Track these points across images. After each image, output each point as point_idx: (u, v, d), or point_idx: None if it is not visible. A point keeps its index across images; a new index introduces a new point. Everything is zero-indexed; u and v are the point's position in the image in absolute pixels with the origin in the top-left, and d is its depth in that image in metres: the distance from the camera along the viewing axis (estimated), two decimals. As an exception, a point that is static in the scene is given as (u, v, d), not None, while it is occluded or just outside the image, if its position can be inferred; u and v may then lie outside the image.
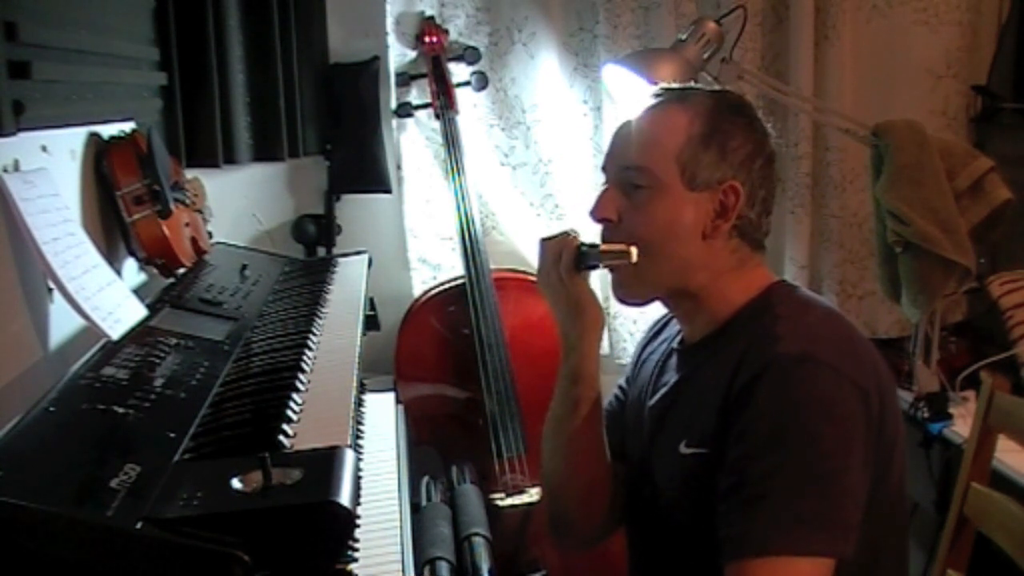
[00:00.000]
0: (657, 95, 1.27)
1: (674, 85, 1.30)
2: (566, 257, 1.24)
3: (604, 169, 1.28)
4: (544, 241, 1.29)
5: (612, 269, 1.25)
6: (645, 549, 1.35)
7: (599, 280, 1.28)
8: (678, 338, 1.31)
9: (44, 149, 1.24)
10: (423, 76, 2.41)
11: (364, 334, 1.51)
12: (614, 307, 2.43)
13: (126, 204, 1.40)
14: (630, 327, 2.46)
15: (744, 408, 1.10)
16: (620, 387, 1.43)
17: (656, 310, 1.35)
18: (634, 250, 1.18)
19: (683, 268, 1.21)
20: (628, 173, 1.22)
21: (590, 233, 1.28)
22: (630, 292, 1.27)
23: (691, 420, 1.19)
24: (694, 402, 1.20)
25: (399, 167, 2.46)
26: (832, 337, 1.16)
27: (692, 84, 1.31)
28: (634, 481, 1.33)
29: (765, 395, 1.08)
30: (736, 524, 1.06)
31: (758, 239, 1.24)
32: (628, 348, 2.44)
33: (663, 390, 1.28)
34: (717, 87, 1.32)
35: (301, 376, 1.22)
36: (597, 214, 1.25)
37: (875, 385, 1.12)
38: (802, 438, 1.06)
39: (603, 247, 1.22)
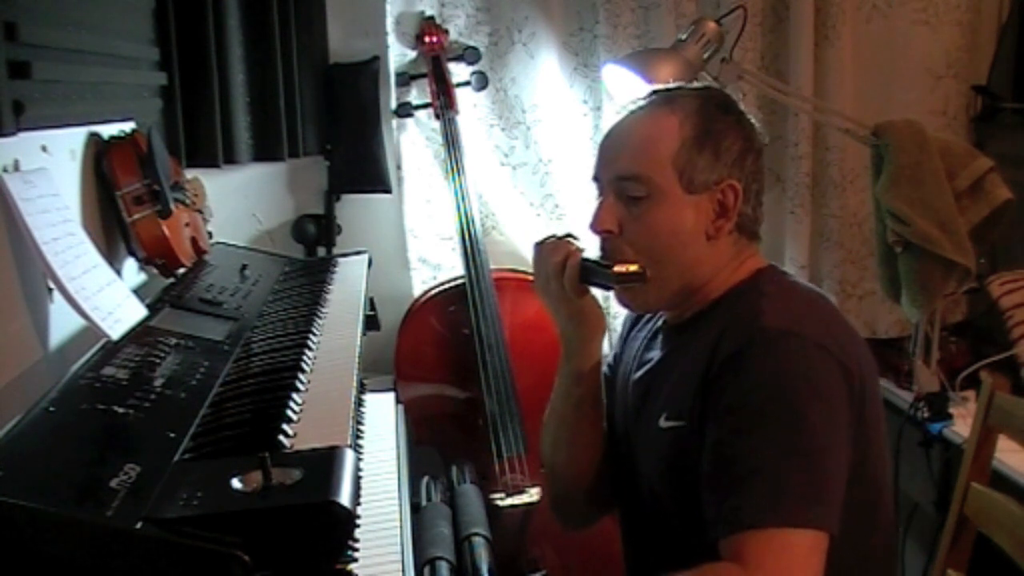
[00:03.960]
0: (642, 99, 1.27)
1: (659, 87, 1.29)
2: (570, 272, 1.23)
3: (596, 179, 1.27)
4: (539, 246, 1.29)
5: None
6: (632, 523, 1.37)
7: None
8: (663, 317, 1.31)
9: (44, 149, 1.24)
10: (423, 76, 2.40)
11: (364, 334, 1.51)
12: (614, 307, 2.43)
13: (126, 204, 1.40)
14: (630, 327, 2.46)
15: (728, 382, 1.10)
16: (608, 364, 1.43)
17: None
18: (648, 270, 1.18)
19: (687, 270, 1.21)
20: (625, 183, 1.22)
21: (584, 235, 1.28)
22: (638, 304, 1.27)
23: (672, 394, 1.20)
24: (676, 376, 1.20)
25: (399, 167, 2.46)
26: (816, 315, 1.16)
27: (674, 83, 1.30)
28: (618, 455, 1.34)
29: (750, 369, 1.09)
30: (727, 499, 1.05)
31: (755, 230, 1.26)
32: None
33: (648, 365, 1.28)
34: (701, 84, 1.31)
35: (301, 376, 1.22)
36: (598, 227, 1.23)
37: (857, 367, 1.12)
38: (789, 413, 1.06)
39: (616, 268, 1.20)
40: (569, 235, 1.29)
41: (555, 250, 1.26)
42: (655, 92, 1.27)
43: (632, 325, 1.41)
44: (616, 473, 1.36)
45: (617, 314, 2.46)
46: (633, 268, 1.19)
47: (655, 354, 1.28)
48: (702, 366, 1.13)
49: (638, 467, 1.27)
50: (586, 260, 1.23)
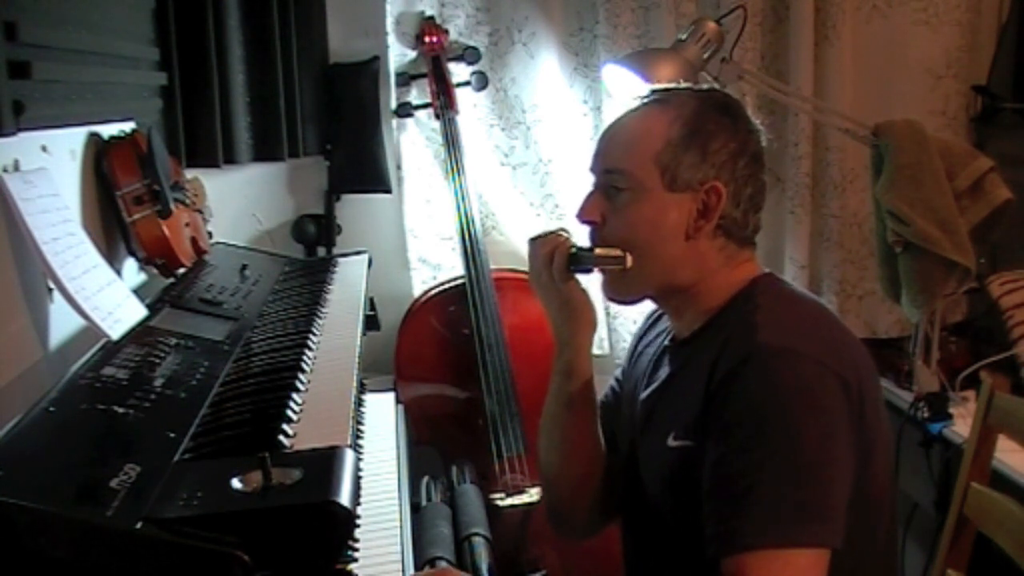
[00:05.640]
0: (642, 97, 1.28)
1: (661, 86, 1.30)
2: (558, 259, 1.27)
3: (592, 170, 1.29)
4: (533, 241, 1.31)
5: (603, 271, 1.27)
6: (636, 539, 1.37)
7: (594, 276, 1.29)
8: (670, 335, 1.32)
9: (44, 149, 1.24)
10: (423, 76, 2.40)
11: (364, 334, 1.51)
12: (614, 306, 2.43)
13: (126, 204, 1.40)
14: (630, 327, 2.46)
15: (726, 400, 1.10)
16: (616, 379, 1.44)
17: (651, 304, 1.36)
18: (629, 257, 1.19)
19: (668, 268, 1.22)
20: (610, 176, 1.24)
21: (580, 233, 1.29)
22: (618, 292, 1.28)
23: (678, 413, 1.20)
24: (681, 395, 1.21)
25: (399, 167, 2.46)
26: (812, 328, 1.16)
27: (678, 84, 1.31)
28: (624, 472, 1.34)
29: (747, 388, 1.09)
30: (727, 518, 1.06)
31: (745, 236, 1.24)
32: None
33: (655, 384, 1.29)
34: (705, 86, 1.32)
35: (301, 376, 1.23)
36: (581, 216, 1.26)
37: (855, 375, 1.12)
38: (786, 430, 1.06)
39: (598, 251, 1.24)
40: (562, 229, 1.31)
41: (545, 242, 1.29)
42: (657, 90, 1.28)
43: (639, 339, 1.42)
44: (620, 488, 1.36)
45: (616, 315, 2.47)
46: (615, 252, 1.21)
47: (663, 372, 1.29)
48: (703, 384, 1.14)
49: (643, 484, 1.27)
50: (574, 248, 1.27)
